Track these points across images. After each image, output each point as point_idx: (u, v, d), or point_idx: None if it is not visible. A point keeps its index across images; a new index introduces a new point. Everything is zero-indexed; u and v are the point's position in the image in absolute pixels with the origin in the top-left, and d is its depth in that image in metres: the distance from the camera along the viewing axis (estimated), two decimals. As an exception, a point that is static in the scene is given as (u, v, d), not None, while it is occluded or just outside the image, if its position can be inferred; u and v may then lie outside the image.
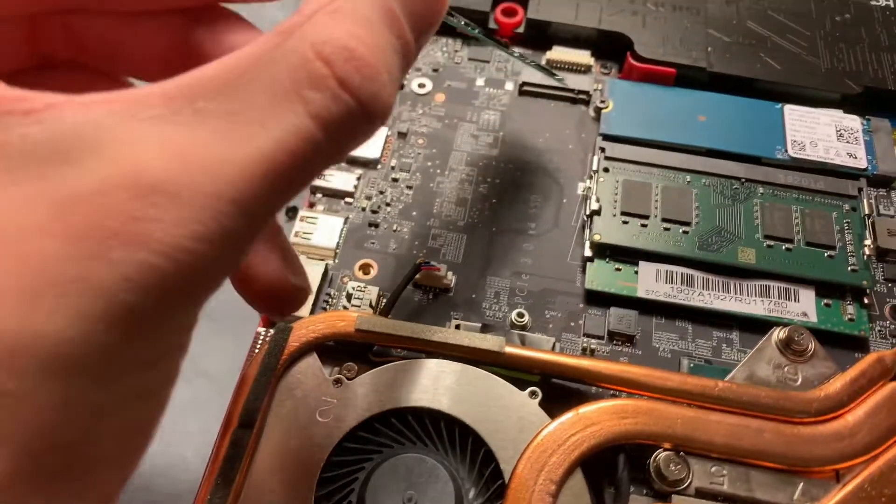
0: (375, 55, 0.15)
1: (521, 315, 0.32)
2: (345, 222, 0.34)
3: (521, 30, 0.41)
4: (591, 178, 0.35)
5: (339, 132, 0.15)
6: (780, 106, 0.38)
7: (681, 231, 0.33)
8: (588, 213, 0.34)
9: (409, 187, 0.36)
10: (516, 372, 0.29)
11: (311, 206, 0.35)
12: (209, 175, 0.13)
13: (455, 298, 0.32)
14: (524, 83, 0.39)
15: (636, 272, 0.33)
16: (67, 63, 0.20)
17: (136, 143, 0.13)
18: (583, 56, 0.40)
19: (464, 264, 0.33)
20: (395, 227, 0.35)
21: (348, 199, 0.35)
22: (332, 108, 0.14)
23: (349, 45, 0.14)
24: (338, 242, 0.34)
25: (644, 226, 0.33)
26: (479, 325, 0.31)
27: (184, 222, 0.12)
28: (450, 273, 0.33)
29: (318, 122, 0.14)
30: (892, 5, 0.42)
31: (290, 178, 0.14)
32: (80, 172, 0.12)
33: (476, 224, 0.35)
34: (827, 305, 0.32)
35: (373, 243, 0.34)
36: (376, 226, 0.35)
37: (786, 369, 0.29)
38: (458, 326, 0.31)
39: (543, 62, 0.40)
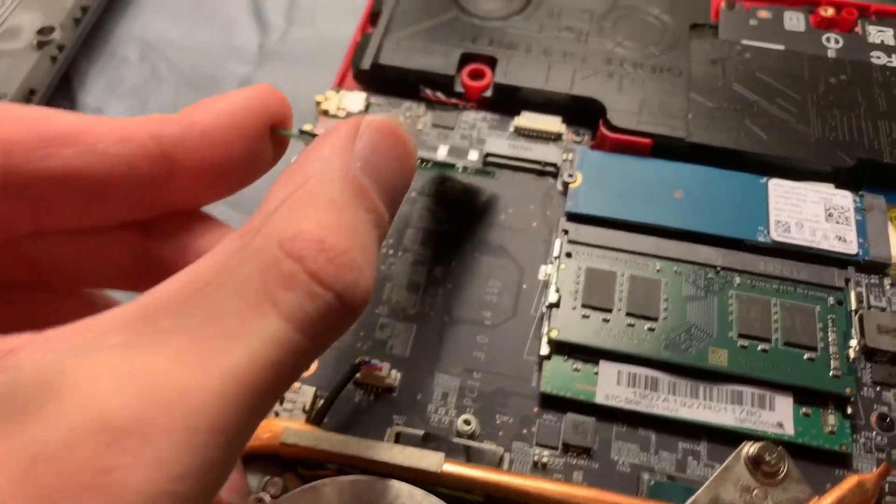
0: (348, 240, 0.14)
1: (467, 422, 0.29)
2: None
3: (488, 93, 0.38)
4: (552, 263, 0.33)
5: (318, 330, 0.14)
6: (764, 180, 0.35)
7: (646, 328, 0.30)
8: (547, 304, 0.31)
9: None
10: (458, 491, 0.27)
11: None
12: (181, 407, 0.12)
13: (399, 399, 0.30)
14: (489, 154, 0.36)
15: (596, 373, 0.30)
16: (29, 283, 0.19)
17: (100, 381, 0.12)
18: (553, 123, 0.37)
19: (411, 359, 0.31)
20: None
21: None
22: (308, 307, 0.14)
23: (319, 236, 0.14)
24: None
25: (606, 321, 0.31)
26: (422, 432, 0.29)
27: (161, 464, 0.11)
28: (394, 371, 0.30)
29: (294, 325, 0.13)
30: (894, 63, 0.39)
31: (269, 388, 0.13)
32: (44, 424, 0.11)
33: (427, 312, 0.32)
34: (806, 415, 0.29)
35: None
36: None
37: (755, 493, 0.27)
38: (398, 435, 0.29)
39: (511, 129, 0.38)
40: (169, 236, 0.19)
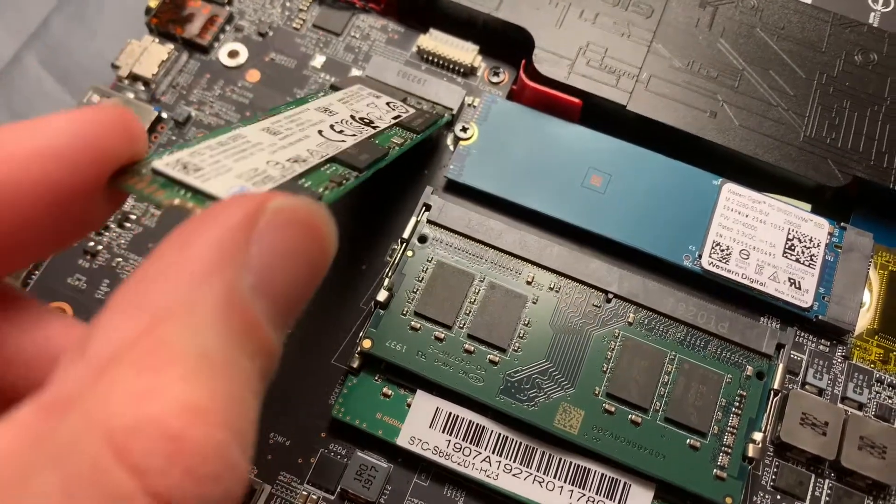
0: (221, 426, 0.09)
1: (224, 437, 0.22)
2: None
3: (394, -5, 0.29)
4: (400, 245, 0.25)
5: None
6: (718, 182, 0.26)
7: (488, 358, 0.23)
8: (373, 302, 0.24)
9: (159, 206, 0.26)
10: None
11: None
12: None
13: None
14: (369, 76, 0.27)
15: (409, 405, 0.23)
16: None
17: None
18: (466, 51, 0.28)
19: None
20: (116, 261, 0.25)
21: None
22: None
23: (173, 430, 0.09)
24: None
25: (439, 339, 0.23)
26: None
27: None
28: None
29: None
30: (953, 48, 0.29)
31: None
32: None
33: (229, 278, 0.25)
34: (665, 518, 0.22)
35: (79, 280, 0.25)
36: (93, 255, 0.25)
37: None
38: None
39: (413, 49, 0.29)
40: None
